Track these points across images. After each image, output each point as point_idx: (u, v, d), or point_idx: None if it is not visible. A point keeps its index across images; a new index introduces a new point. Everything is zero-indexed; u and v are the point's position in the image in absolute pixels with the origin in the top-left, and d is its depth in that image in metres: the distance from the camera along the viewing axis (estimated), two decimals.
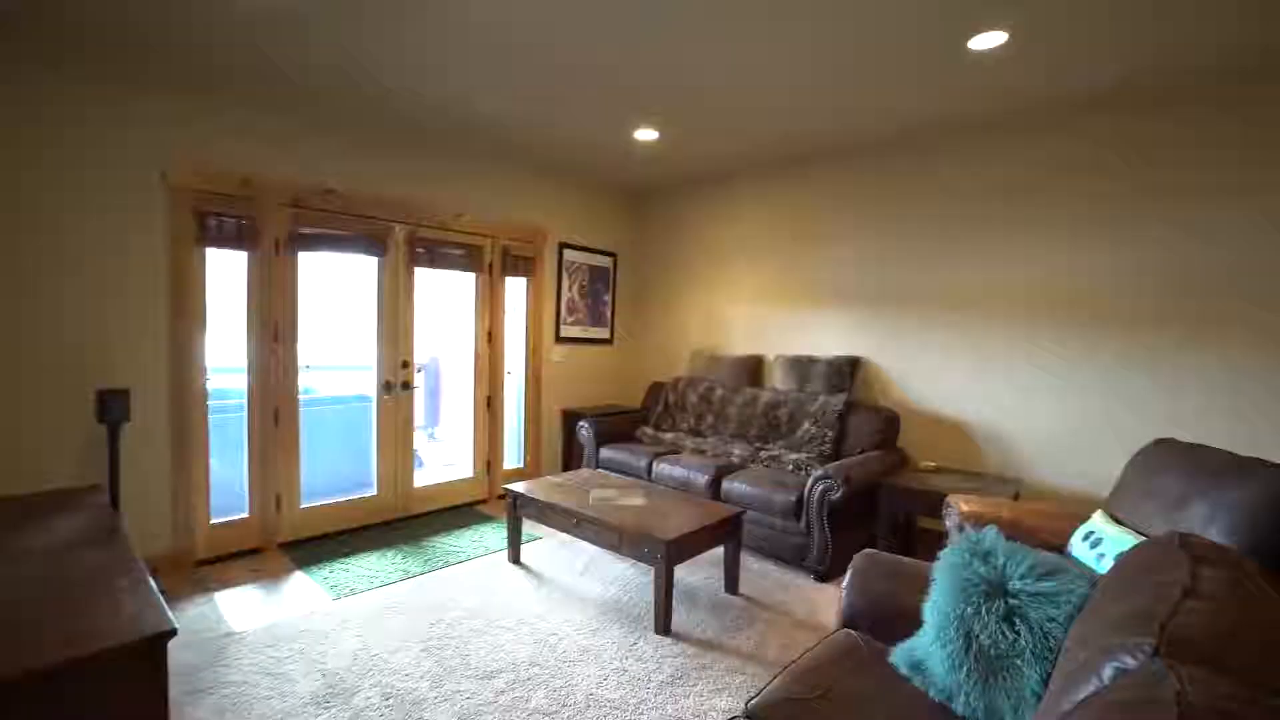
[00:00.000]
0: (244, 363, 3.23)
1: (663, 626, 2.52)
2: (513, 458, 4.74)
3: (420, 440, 4.99)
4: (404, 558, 3.30)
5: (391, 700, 2.04)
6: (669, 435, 4.31)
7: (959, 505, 2.57)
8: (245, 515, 3.28)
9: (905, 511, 3.08)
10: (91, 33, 2.44)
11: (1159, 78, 2.65)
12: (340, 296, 3.83)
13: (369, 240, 3.65)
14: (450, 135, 3.73)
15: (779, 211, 4.35)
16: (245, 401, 3.24)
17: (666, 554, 2.49)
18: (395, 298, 3.83)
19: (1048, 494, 3.19)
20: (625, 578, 3.07)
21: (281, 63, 2.71)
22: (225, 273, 3.15)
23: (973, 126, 3.34)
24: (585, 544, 3.45)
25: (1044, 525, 2.34)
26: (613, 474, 4.18)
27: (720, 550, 3.24)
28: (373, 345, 3.78)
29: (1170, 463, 1.76)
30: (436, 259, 4.03)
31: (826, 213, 4.08)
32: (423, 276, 3.98)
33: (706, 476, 3.57)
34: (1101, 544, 1.74)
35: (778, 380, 4.14)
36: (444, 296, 4.37)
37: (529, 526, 3.71)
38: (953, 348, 3.54)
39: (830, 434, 3.60)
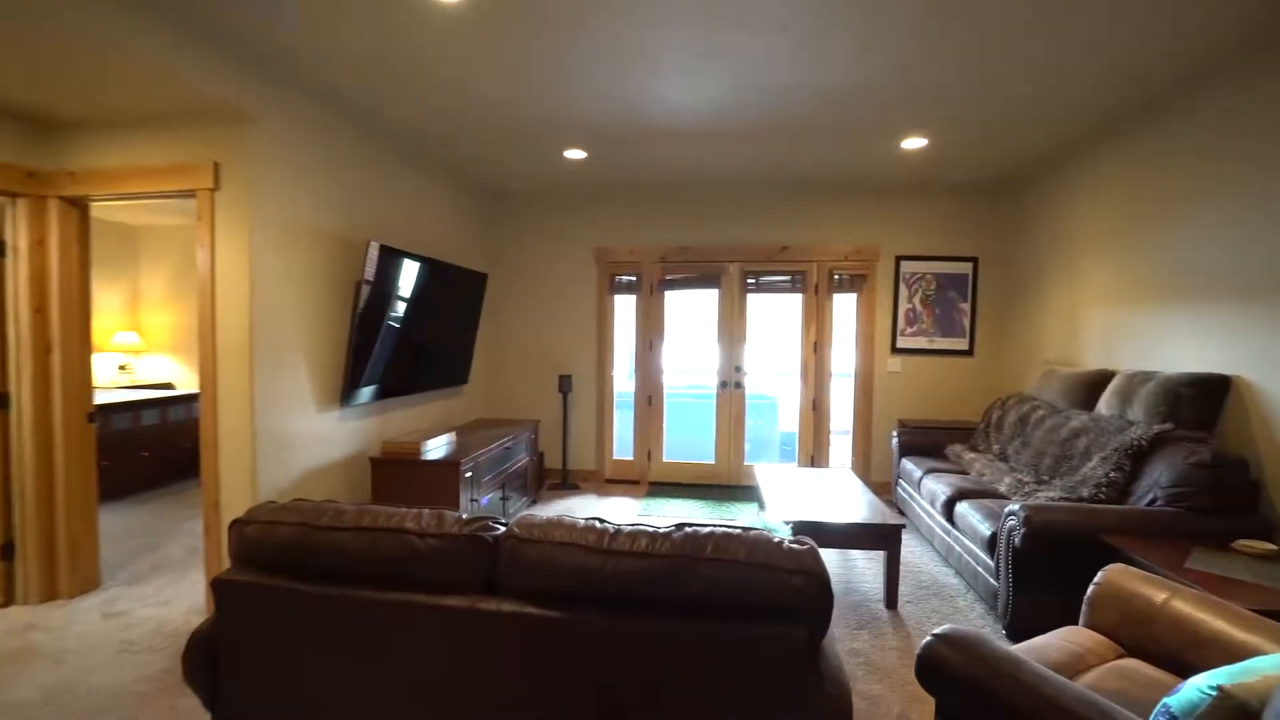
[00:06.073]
0: (632, 365, 5.24)
1: None
2: (844, 456, 5.19)
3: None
4: (702, 508, 4.57)
5: None
6: (970, 455, 3.91)
7: (1111, 575, 1.94)
8: (631, 459, 5.28)
9: None
10: (562, 193, 4.90)
11: None
12: (692, 319, 5.41)
13: (710, 278, 5.09)
14: (771, 187, 4.77)
15: (1126, 183, 3.29)
16: (633, 388, 5.25)
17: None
18: (730, 318, 5.12)
19: None
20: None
21: (653, 176, 4.56)
22: (623, 309, 5.24)
23: None
24: None
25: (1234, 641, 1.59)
26: (901, 480, 4.23)
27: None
28: (715, 354, 5.18)
29: None
30: (763, 286, 5.07)
31: (1182, 170, 2.90)
32: (754, 300, 5.10)
33: (945, 496, 3.32)
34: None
35: (1103, 402, 3.20)
36: (776, 313, 5.31)
37: None
38: None
39: (1115, 475, 2.71)
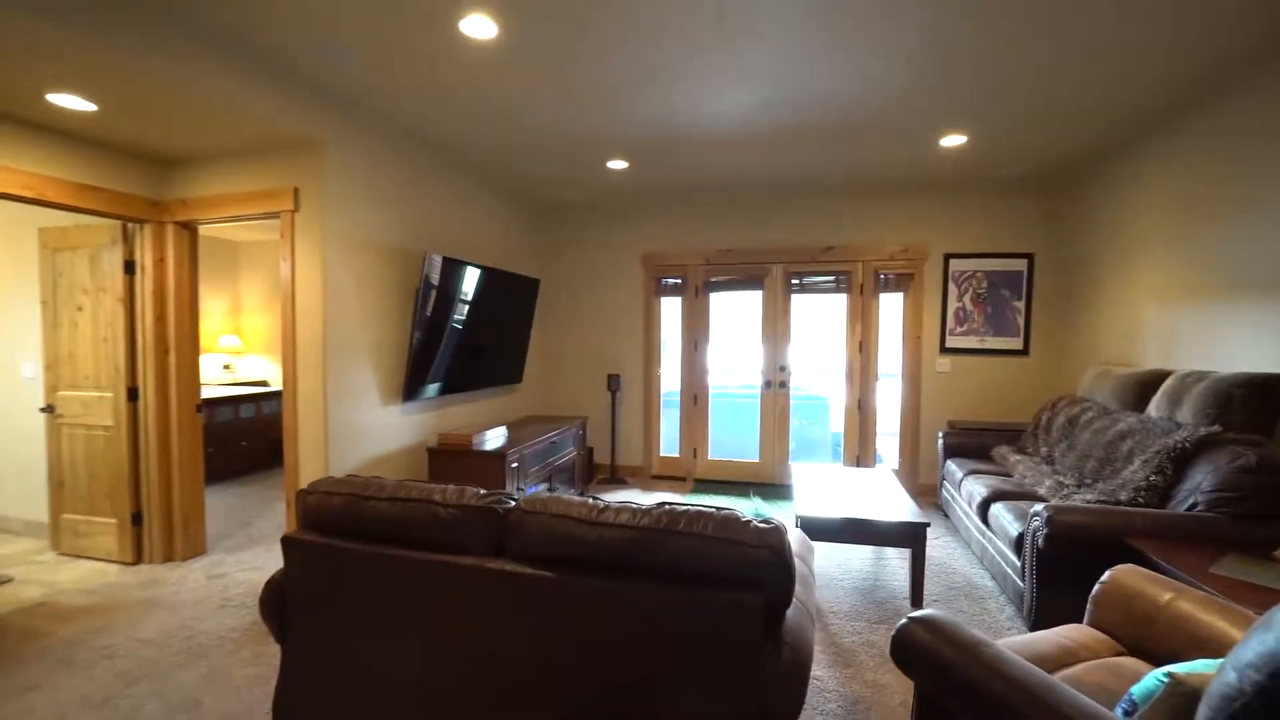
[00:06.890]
0: (678, 364, 5.40)
1: None
2: (892, 457, 5.14)
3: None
4: (744, 504, 4.67)
5: None
6: (1015, 458, 3.82)
7: (1117, 574, 1.95)
8: (677, 456, 5.44)
9: None
10: (608, 200, 5.14)
11: None
12: (736, 320, 5.50)
13: (753, 280, 5.18)
14: (812, 188, 4.82)
15: (1180, 176, 3.14)
16: (679, 387, 5.41)
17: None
18: (774, 319, 5.19)
19: None
20: (849, 553, 3.47)
21: (694, 181, 4.72)
22: (669, 311, 5.41)
23: None
24: None
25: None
26: (946, 482, 4.19)
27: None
28: (759, 354, 5.26)
29: None
30: (807, 287, 5.11)
31: (1239, 163, 2.76)
32: (798, 300, 5.15)
33: (980, 497, 3.29)
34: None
35: (1153, 404, 3.08)
36: (823, 313, 5.32)
37: None
38: None
39: (1155, 479, 2.62)
